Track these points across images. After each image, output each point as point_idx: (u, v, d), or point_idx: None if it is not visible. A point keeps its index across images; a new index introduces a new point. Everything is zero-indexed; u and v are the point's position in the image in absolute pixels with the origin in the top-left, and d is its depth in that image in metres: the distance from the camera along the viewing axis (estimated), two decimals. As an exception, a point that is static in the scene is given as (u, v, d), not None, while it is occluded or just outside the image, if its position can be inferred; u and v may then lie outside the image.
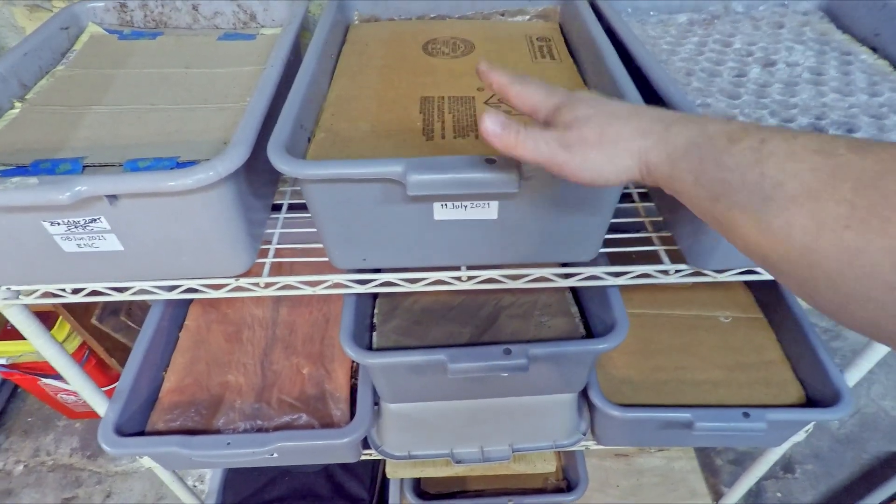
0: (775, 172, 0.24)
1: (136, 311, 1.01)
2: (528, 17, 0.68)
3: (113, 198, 0.41)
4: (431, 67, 0.58)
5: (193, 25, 0.66)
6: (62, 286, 0.50)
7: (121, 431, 0.62)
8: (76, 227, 0.43)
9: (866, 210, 0.21)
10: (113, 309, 0.97)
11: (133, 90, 0.55)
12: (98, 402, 0.67)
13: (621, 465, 0.98)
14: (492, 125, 0.33)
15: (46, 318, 0.97)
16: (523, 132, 0.33)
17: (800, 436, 0.71)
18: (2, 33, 0.77)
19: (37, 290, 0.51)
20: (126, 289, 0.51)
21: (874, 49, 0.58)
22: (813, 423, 0.68)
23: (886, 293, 0.21)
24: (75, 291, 0.51)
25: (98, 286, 0.50)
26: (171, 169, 0.44)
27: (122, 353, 1.02)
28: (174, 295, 0.52)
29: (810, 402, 0.66)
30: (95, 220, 0.43)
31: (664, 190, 0.31)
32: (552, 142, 0.32)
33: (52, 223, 0.42)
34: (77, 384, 0.65)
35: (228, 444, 0.60)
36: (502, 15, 0.68)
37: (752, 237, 0.26)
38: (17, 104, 0.53)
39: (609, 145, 0.31)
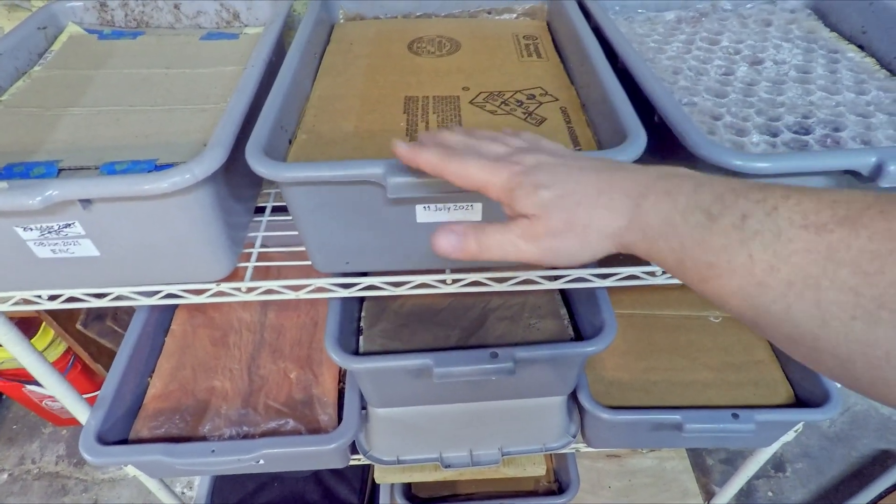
0: (765, 256, 0.22)
1: (122, 316, 0.99)
2: (514, 15, 0.67)
3: (86, 202, 0.40)
4: (416, 66, 0.57)
5: (175, 25, 0.65)
6: (38, 293, 0.49)
7: (103, 439, 0.61)
8: (50, 232, 0.42)
9: (872, 301, 0.20)
10: (98, 314, 0.96)
11: (112, 91, 0.54)
12: (80, 410, 0.66)
13: (613, 466, 0.98)
14: (446, 242, 0.31)
15: (30, 324, 0.95)
16: (483, 238, 0.30)
17: (789, 435, 0.71)
18: (-21, 34, 0.75)
19: (12, 297, 0.50)
20: (104, 295, 0.50)
21: (861, 47, 0.58)
22: (802, 422, 0.68)
23: None
24: (52, 298, 0.50)
25: (75, 292, 0.49)
26: (149, 172, 0.43)
27: (108, 358, 1.00)
28: (154, 301, 0.51)
29: (799, 401, 0.66)
30: (69, 224, 0.42)
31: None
32: (517, 240, 0.30)
33: (24, 228, 0.41)
34: (57, 391, 0.64)
35: (213, 451, 0.59)
36: (489, 13, 0.67)
37: (747, 317, 0.24)
38: (-8, 106, 0.51)
39: (580, 231, 0.29)
